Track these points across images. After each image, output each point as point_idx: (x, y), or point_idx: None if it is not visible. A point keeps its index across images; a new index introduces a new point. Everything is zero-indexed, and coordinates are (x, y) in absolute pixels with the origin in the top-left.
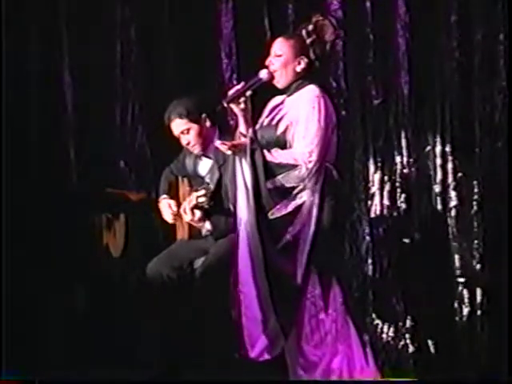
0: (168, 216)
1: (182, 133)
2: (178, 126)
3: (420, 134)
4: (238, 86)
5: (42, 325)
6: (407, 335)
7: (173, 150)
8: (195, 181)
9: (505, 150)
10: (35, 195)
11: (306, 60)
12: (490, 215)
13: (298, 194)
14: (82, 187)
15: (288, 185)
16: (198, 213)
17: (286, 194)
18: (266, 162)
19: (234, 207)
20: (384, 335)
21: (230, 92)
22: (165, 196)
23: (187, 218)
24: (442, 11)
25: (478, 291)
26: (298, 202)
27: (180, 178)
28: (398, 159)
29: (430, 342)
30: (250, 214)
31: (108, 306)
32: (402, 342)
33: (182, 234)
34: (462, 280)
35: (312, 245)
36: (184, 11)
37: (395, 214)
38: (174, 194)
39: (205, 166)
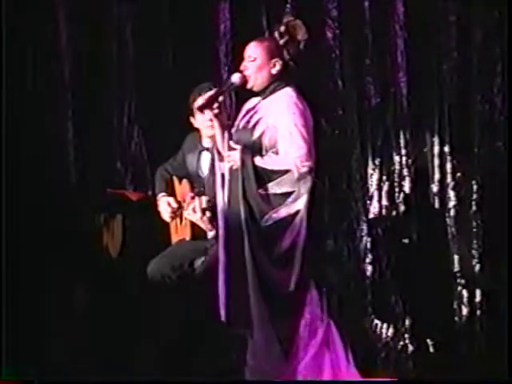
0: (166, 214)
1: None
2: None
3: (418, 134)
4: (211, 92)
5: (42, 325)
6: (407, 335)
7: (170, 150)
8: (195, 180)
9: (504, 149)
10: (34, 195)
11: (280, 62)
12: (489, 215)
13: (292, 201)
14: (81, 188)
15: (281, 190)
16: (208, 213)
17: (280, 199)
18: (257, 169)
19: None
20: (383, 335)
21: (203, 98)
22: (163, 194)
23: (196, 216)
24: (440, 11)
25: (478, 291)
26: (292, 209)
27: (176, 179)
28: (396, 159)
29: (429, 342)
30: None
31: (108, 306)
32: (401, 342)
33: (182, 234)
34: (461, 280)
35: (304, 251)
36: (181, 10)
37: (394, 214)
38: (170, 194)
39: (206, 161)
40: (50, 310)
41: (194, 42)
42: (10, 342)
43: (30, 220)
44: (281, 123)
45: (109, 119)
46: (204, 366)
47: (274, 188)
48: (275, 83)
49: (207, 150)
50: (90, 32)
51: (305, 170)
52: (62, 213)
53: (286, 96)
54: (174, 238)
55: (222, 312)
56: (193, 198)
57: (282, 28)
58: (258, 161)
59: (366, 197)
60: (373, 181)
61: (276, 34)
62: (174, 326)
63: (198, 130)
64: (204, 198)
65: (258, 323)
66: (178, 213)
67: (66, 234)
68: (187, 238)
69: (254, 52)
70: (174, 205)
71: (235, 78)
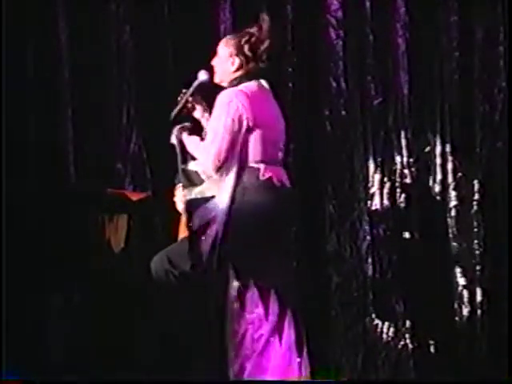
0: (180, 204)
1: None
2: None
3: (420, 134)
4: (182, 99)
5: (42, 325)
6: (407, 335)
7: (169, 151)
8: None
9: (505, 150)
10: (34, 195)
11: (239, 58)
12: (490, 215)
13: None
14: (81, 188)
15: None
16: None
17: (198, 179)
18: (183, 148)
19: None
20: (384, 335)
21: (176, 109)
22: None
23: None
24: (441, 11)
25: (478, 291)
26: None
27: None
28: (397, 159)
29: (430, 342)
30: None
31: (108, 306)
32: (402, 342)
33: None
34: (461, 280)
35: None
36: (181, 11)
37: (395, 214)
38: None
39: None
40: (50, 309)
41: (194, 42)
42: (10, 342)
43: (30, 220)
44: (211, 117)
45: (108, 119)
46: (204, 366)
47: (193, 165)
48: (238, 78)
49: None
50: (90, 33)
51: (210, 170)
52: (62, 213)
53: (224, 94)
54: (181, 235)
55: None
56: None
57: (254, 28)
58: (185, 137)
59: (368, 197)
60: (374, 181)
61: (243, 32)
62: (175, 326)
63: None
64: None
65: None
66: None
67: (66, 234)
68: None
69: (219, 47)
70: None
71: (202, 75)
